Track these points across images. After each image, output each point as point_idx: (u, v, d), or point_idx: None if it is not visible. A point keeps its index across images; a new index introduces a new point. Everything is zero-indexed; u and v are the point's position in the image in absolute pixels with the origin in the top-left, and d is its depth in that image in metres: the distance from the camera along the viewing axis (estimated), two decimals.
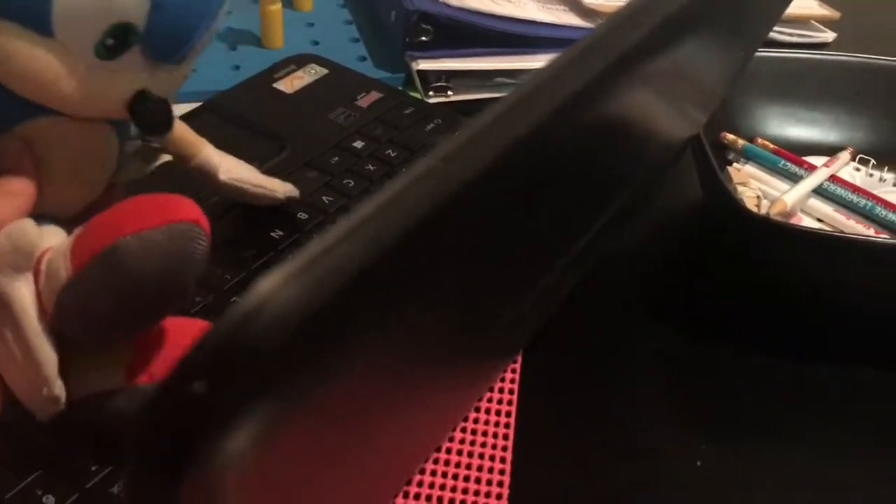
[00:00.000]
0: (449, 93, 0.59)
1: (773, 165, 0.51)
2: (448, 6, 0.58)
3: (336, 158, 0.48)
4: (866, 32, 0.71)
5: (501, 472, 0.36)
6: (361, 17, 0.67)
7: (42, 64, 0.30)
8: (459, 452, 0.37)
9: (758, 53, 0.53)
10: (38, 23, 0.29)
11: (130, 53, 0.31)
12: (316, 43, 0.63)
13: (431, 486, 0.36)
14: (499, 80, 0.60)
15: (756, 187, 0.51)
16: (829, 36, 0.69)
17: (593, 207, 0.31)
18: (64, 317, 0.29)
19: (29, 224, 0.29)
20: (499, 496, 0.35)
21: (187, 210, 0.28)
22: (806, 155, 0.52)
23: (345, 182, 0.47)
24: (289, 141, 0.49)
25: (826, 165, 0.51)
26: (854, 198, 0.49)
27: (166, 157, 0.40)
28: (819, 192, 0.50)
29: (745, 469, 0.37)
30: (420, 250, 0.14)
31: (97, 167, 0.34)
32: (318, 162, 0.48)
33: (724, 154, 0.53)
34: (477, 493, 0.35)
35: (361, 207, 0.13)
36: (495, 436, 0.38)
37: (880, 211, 0.48)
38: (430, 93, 0.59)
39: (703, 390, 0.41)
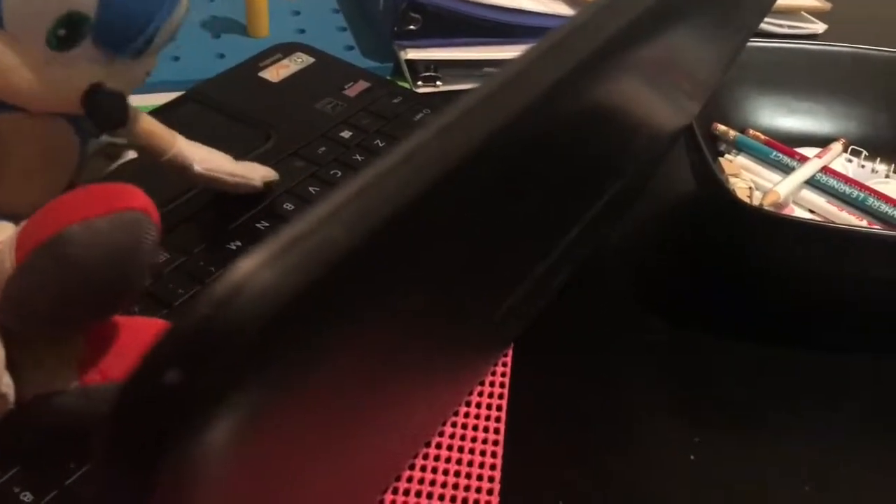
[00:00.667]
0: (438, 82, 0.58)
1: (765, 157, 0.51)
2: None
3: (323, 148, 0.47)
4: (857, 23, 0.70)
5: (492, 468, 0.36)
6: (349, 6, 0.66)
7: None
8: (450, 447, 0.36)
9: (749, 43, 0.53)
10: None
11: (84, 46, 0.30)
12: (302, 31, 0.62)
13: (421, 481, 0.35)
14: (488, 69, 0.59)
15: (748, 179, 0.50)
16: (819, 27, 0.69)
17: (584, 198, 0.31)
18: (9, 310, 0.28)
19: None
20: (490, 491, 0.35)
21: (135, 199, 0.27)
22: (798, 146, 0.52)
23: (332, 172, 0.46)
24: (274, 130, 0.48)
25: (818, 156, 0.50)
26: (846, 189, 0.49)
27: (132, 155, 0.39)
28: (811, 183, 0.49)
29: (739, 462, 0.37)
30: (404, 235, 0.13)
31: (56, 165, 0.34)
32: (304, 152, 0.47)
33: (716, 145, 0.52)
34: (468, 488, 0.35)
35: (344, 187, 0.12)
36: (486, 430, 0.37)
37: (873, 202, 0.48)
38: (419, 82, 0.58)
39: (696, 383, 0.40)
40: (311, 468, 0.18)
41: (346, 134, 0.49)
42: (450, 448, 0.36)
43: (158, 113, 0.49)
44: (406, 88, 0.56)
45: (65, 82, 0.31)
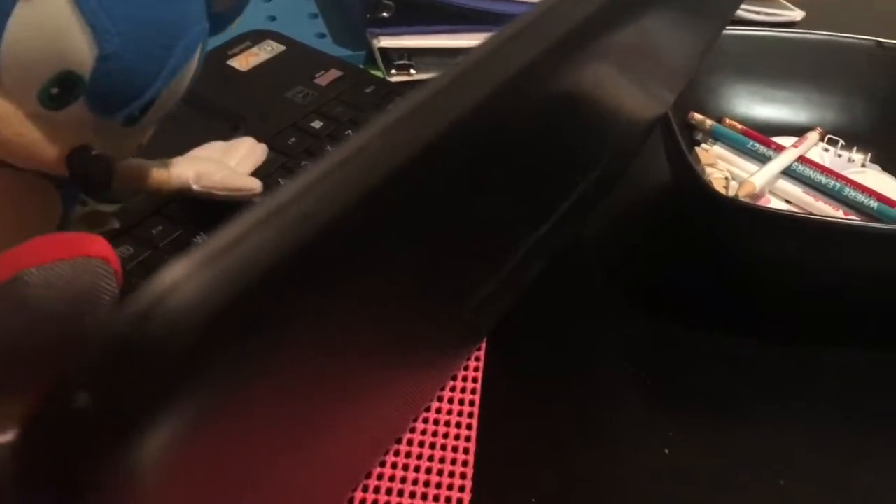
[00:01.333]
0: (411, 71, 0.57)
1: (742, 146, 0.51)
2: None
3: (293, 139, 0.46)
4: (834, 10, 0.70)
5: (465, 464, 0.35)
6: None
7: None
8: (422, 444, 0.36)
9: (726, 31, 0.52)
10: None
11: (76, 106, 0.29)
12: (273, 18, 0.61)
13: (392, 478, 0.34)
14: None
15: (724, 168, 0.50)
16: (797, 14, 0.69)
17: (557, 189, 0.30)
18: None
19: None
20: (461, 488, 0.34)
21: (96, 246, 0.26)
22: (774, 135, 0.52)
23: (303, 164, 0.45)
24: (243, 120, 0.47)
25: (794, 146, 0.50)
26: (823, 179, 0.48)
27: (116, 224, 0.39)
28: (787, 172, 0.49)
29: (713, 456, 0.36)
30: (355, 232, 0.12)
31: (34, 226, 0.33)
32: (274, 142, 0.46)
33: (692, 134, 0.52)
34: (439, 484, 0.34)
35: (285, 186, 0.11)
36: (458, 425, 0.37)
37: (849, 192, 0.47)
38: (392, 71, 0.57)
39: (671, 376, 0.40)
40: (267, 471, 0.18)
41: (317, 124, 0.48)
42: (421, 444, 0.36)
43: None
44: (379, 77, 0.55)
45: (52, 140, 0.30)
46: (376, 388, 0.24)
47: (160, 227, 0.40)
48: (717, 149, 0.51)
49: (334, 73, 0.52)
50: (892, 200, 0.47)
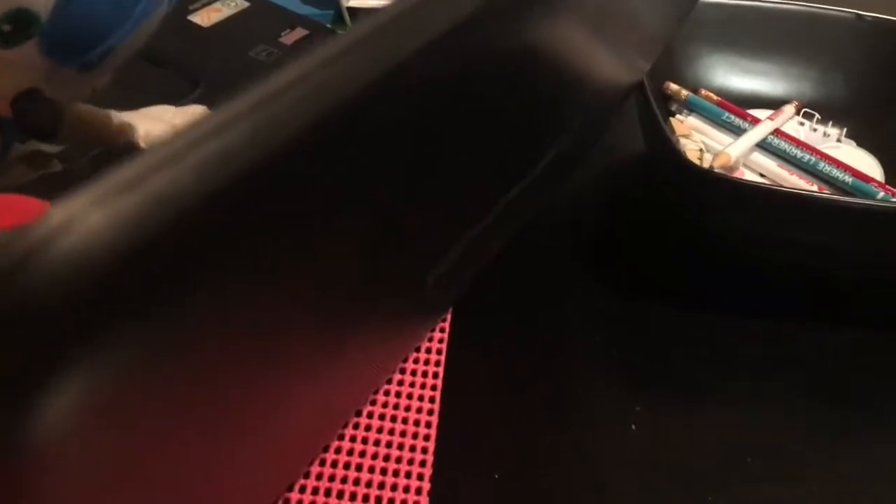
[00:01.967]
0: None
1: (717, 118, 0.50)
2: None
3: None
4: None
5: (426, 438, 0.34)
6: None
7: None
8: (382, 417, 0.35)
9: (704, 0, 0.51)
10: None
11: (28, 47, 0.27)
12: None
13: (350, 452, 0.33)
14: None
15: (699, 140, 0.49)
16: None
17: (526, 154, 0.29)
18: None
19: None
20: (423, 463, 0.33)
21: (33, 212, 0.25)
22: (750, 107, 0.51)
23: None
24: (203, 78, 0.45)
25: (770, 119, 0.49)
26: (798, 153, 0.47)
27: (58, 167, 0.37)
28: (762, 146, 0.48)
29: (681, 432, 0.36)
30: (287, 177, 0.11)
31: None
32: None
33: (668, 105, 0.51)
34: (399, 459, 0.33)
35: (208, 117, 0.09)
36: (421, 398, 0.36)
37: (824, 166, 0.47)
38: None
39: (640, 351, 0.39)
40: (198, 442, 0.16)
41: None
42: (382, 417, 0.35)
43: None
44: None
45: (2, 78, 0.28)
46: (325, 356, 0.22)
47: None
48: (692, 120, 0.50)
49: (300, 32, 0.50)
50: (867, 176, 0.46)
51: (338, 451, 0.33)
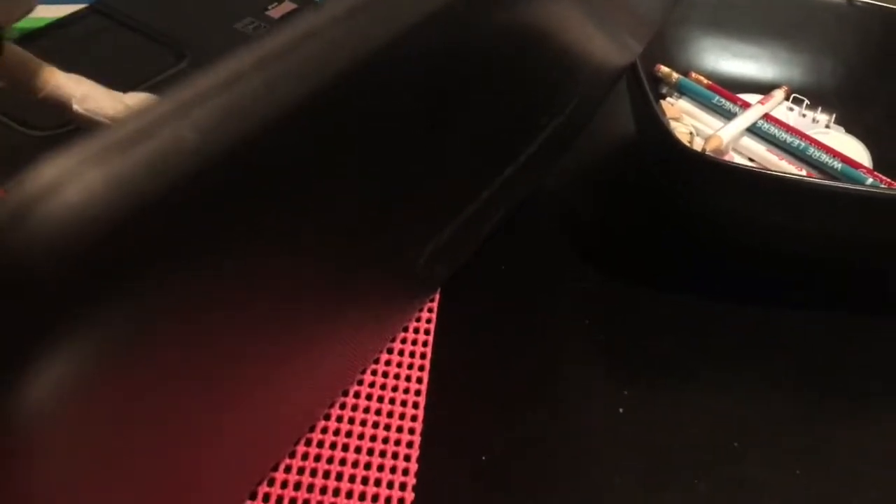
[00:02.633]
0: None
1: (707, 101, 0.49)
2: None
3: None
4: None
5: (413, 419, 0.34)
6: None
7: None
8: (369, 397, 0.34)
9: None
10: None
11: None
12: None
13: (337, 432, 0.33)
14: None
15: (689, 124, 0.49)
16: None
17: (519, 134, 0.28)
18: None
19: None
20: (409, 444, 0.33)
21: None
22: (741, 91, 0.50)
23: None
24: (189, 50, 0.44)
25: (760, 103, 0.49)
26: (787, 137, 0.47)
27: None
28: (752, 130, 0.48)
29: (668, 417, 0.35)
30: (281, 148, 0.10)
31: None
32: None
33: (658, 88, 0.50)
34: (386, 440, 0.33)
35: (199, 76, 0.09)
36: (408, 379, 0.35)
37: (813, 152, 0.47)
38: None
39: (628, 335, 0.39)
40: (189, 417, 0.16)
41: None
42: (369, 398, 0.34)
43: (59, 26, 0.44)
44: None
45: None
46: (313, 332, 0.22)
47: None
48: (683, 103, 0.50)
49: (288, 6, 0.49)
50: (856, 162, 0.46)
51: (324, 430, 0.33)
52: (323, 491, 0.31)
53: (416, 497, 0.31)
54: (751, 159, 0.47)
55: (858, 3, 0.51)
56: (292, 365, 0.24)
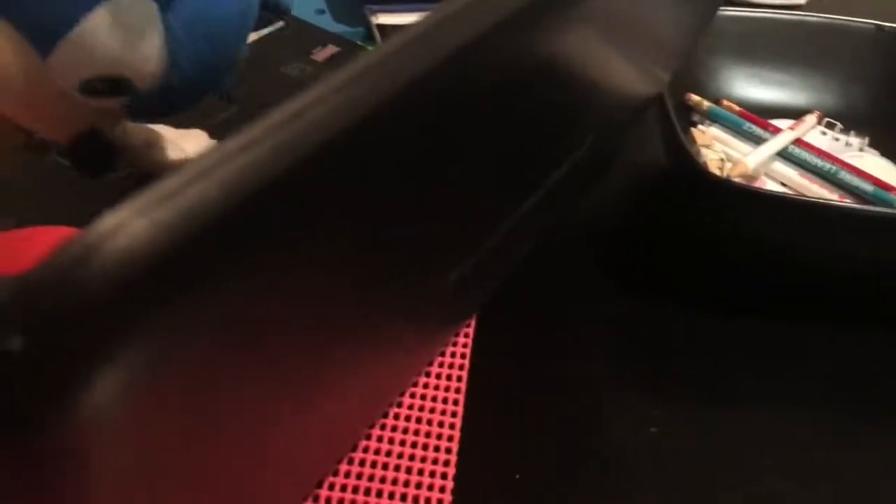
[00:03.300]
0: None
1: (738, 128, 0.50)
2: None
3: None
4: None
5: (450, 439, 0.35)
6: None
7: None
8: (408, 418, 0.36)
9: (725, 12, 0.52)
10: (42, 42, 0.26)
11: (112, 101, 0.28)
12: None
13: (377, 451, 0.35)
14: None
15: (720, 150, 0.50)
16: None
17: (546, 162, 0.30)
18: None
19: None
20: (446, 462, 0.34)
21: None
22: (772, 118, 0.51)
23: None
24: (238, 94, 0.47)
25: (791, 128, 0.50)
26: (819, 162, 0.48)
27: None
28: (784, 155, 0.49)
29: (699, 435, 0.36)
30: (312, 186, 0.12)
31: None
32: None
33: (689, 115, 0.52)
34: (424, 459, 0.34)
35: (237, 134, 0.11)
36: (445, 401, 0.37)
37: (845, 175, 0.47)
38: None
39: (659, 355, 0.40)
40: (235, 433, 0.18)
41: None
42: (408, 419, 0.36)
43: None
44: None
45: (69, 118, 0.29)
46: (353, 356, 0.24)
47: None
48: (714, 130, 0.51)
49: (331, 49, 0.52)
50: (888, 185, 0.47)
51: (365, 450, 0.35)
52: None
53: None
54: (783, 184, 0.48)
55: (888, 29, 0.52)
56: (335, 387, 0.26)
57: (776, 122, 0.51)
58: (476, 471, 0.34)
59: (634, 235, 0.46)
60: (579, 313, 0.42)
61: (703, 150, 0.49)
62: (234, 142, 0.11)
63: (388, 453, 0.35)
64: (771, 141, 0.48)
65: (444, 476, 0.34)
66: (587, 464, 0.35)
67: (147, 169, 0.38)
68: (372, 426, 0.35)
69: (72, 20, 0.26)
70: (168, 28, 0.27)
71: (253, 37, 0.52)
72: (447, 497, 0.33)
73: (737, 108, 0.51)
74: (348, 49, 0.53)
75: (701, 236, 0.45)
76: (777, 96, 0.53)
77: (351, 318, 0.20)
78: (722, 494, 0.34)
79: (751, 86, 0.53)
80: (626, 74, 0.35)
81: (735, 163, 0.46)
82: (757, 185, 0.47)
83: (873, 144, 0.51)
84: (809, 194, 0.47)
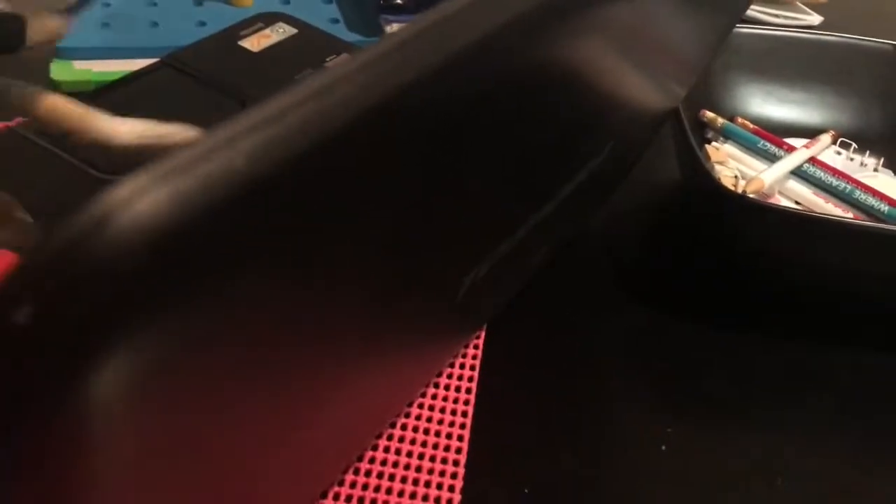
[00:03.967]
0: None
1: (752, 145, 0.50)
2: None
3: None
4: (853, 17, 0.69)
5: (458, 451, 0.35)
6: None
7: None
8: (416, 429, 0.35)
9: (741, 30, 0.52)
10: None
11: None
12: (287, 2, 0.61)
13: (384, 462, 0.34)
14: None
15: (734, 167, 0.49)
16: (815, 19, 0.68)
17: (557, 173, 0.30)
18: None
19: None
20: (454, 475, 0.34)
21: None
22: (787, 136, 0.51)
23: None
24: (251, 100, 0.47)
25: (806, 147, 0.49)
26: (833, 181, 0.48)
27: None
28: (798, 173, 0.48)
29: (711, 453, 0.36)
30: (322, 175, 0.12)
31: None
32: None
33: (703, 132, 0.51)
34: (431, 471, 0.34)
35: (255, 109, 0.11)
36: (454, 412, 0.36)
37: (860, 195, 0.47)
38: None
39: (671, 372, 0.39)
40: (243, 435, 0.17)
41: None
42: (416, 430, 0.35)
43: (131, 79, 0.48)
44: None
45: None
46: (361, 362, 0.23)
47: None
48: (728, 147, 0.50)
49: (346, 58, 0.52)
50: None
51: (371, 460, 0.34)
52: None
53: None
54: (797, 202, 0.48)
55: None
56: (342, 394, 0.25)
57: (790, 141, 0.50)
58: (484, 484, 0.34)
59: (649, 250, 0.46)
60: (591, 326, 0.41)
61: (717, 167, 0.48)
62: (263, 112, 0.11)
63: (395, 464, 0.34)
64: (786, 159, 0.48)
65: (451, 489, 0.33)
66: (597, 480, 0.34)
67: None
68: (379, 436, 0.35)
69: None
70: None
71: (266, 44, 0.52)
72: None
73: (751, 125, 0.51)
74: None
75: (715, 252, 0.44)
76: (792, 115, 0.53)
77: (361, 324, 0.20)
78: None
79: (766, 104, 0.53)
80: (644, 86, 0.35)
81: (750, 180, 0.46)
82: (771, 202, 0.47)
83: (888, 165, 0.51)
84: (822, 212, 0.46)
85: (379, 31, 0.58)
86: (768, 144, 0.50)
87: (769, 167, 0.48)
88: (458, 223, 0.22)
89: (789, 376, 0.40)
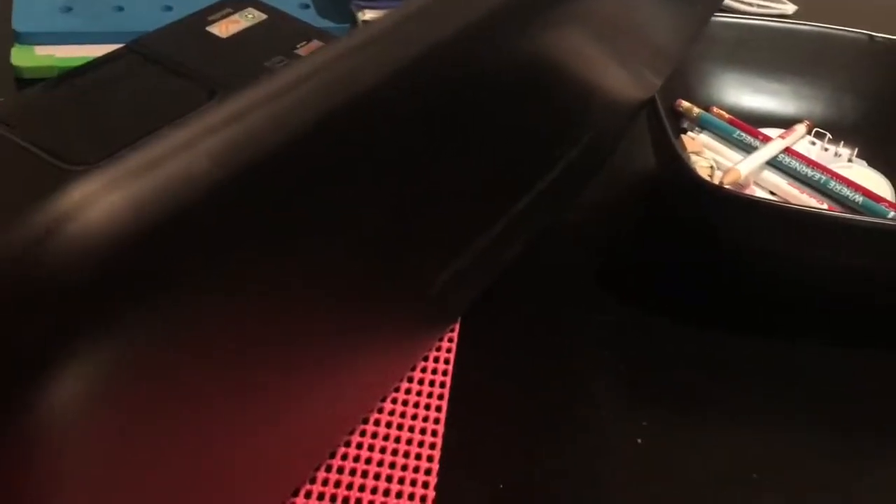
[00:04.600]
0: None
1: (728, 135, 0.50)
2: None
3: None
4: (828, 6, 0.69)
5: (432, 447, 0.34)
6: None
7: None
8: (389, 424, 0.35)
9: (717, 19, 0.51)
10: None
11: None
12: None
13: (356, 458, 0.33)
14: None
15: (710, 157, 0.49)
16: (789, 8, 0.68)
17: (535, 164, 0.29)
18: None
19: None
20: (428, 471, 0.33)
21: None
22: (762, 126, 0.51)
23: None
24: (220, 87, 0.46)
25: (781, 137, 0.49)
26: (808, 171, 0.48)
27: None
28: (773, 164, 0.48)
29: (686, 447, 0.36)
30: (293, 173, 0.11)
31: None
32: None
33: (679, 122, 0.51)
34: (405, 467, 0.33)
35: (220, 106, 0.10)
36: (427, 406, 0.36)
37: (834, 185, 0.47)
38: None
39: (647, 365, 0.39)
40: (209, 435, 0.17)
41: None
42: (388, 425, 0.35)
43: (96, 65, 0.46)
44: None
45: None
46: (333, 357, 0.23)
47: None
48: (704, 137, 0.50)
49: (316, 45, 0.51)
50: (877, 196, 0.46)
51: (344, 457, 0.33)
52: None
53: None
54: (773, 192, 0.48)
55: (880, 39, 0.51)
56: (313, 389, 0.25)
57: (765, 131, 0.50)
58: (459, 479, 0.33)
59: (624, 243, 0.46)
60: (567, 320, 0.41)
61: (693, 157, 0.48)
62: (224, 111, 0.10)
63: (368, 461, 0.33)
64: (762, 149, 0.48)
65: (425, 485, 0.33)
66: (573, 474, 0.34)
67: None
68: (351, 432, 0.34)
69: None
70: None
71: (234, 30, 0.51)
72: None
73: (727, 115, 0.51)
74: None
75: (691, 244, 0.44)
76: (767, 104, 0.53)
77: (333, 319, 0.19)
78: None
79: (741, 93, 0.53)
80: (620, 76, 0.34)
81: (727, 171, 0.45)
82: (746, 193, 0.46)
83: (862, 155, 0.51)
84: (798, 203, 0.46)
85: (350, 17, 0.57)
86: (744, 134, 0.49)
87: (746, 158, 0.48)
88: (436, 217, 0.21)
89: (763, 369, 0.39)
